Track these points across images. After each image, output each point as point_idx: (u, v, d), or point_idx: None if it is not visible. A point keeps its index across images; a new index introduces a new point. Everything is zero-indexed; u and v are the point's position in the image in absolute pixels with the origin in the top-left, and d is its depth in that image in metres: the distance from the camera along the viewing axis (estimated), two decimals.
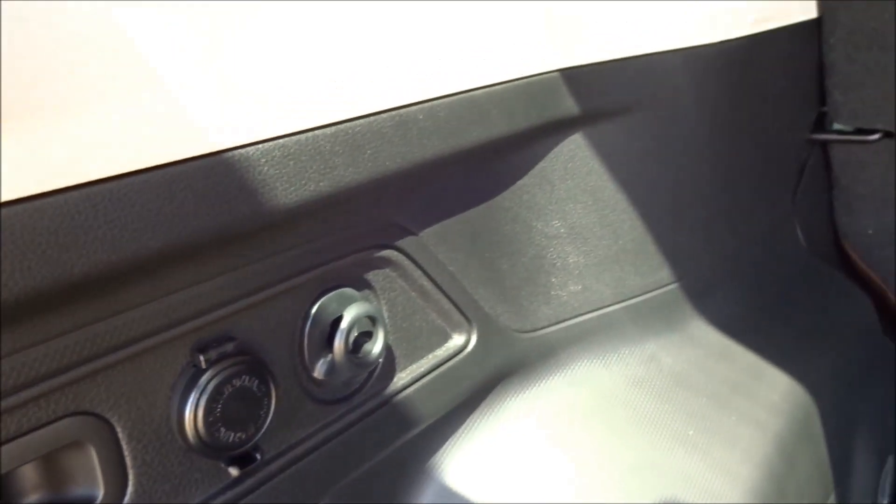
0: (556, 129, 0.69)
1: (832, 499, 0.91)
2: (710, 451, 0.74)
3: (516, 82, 0.63)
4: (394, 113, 0.52)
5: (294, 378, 0.53)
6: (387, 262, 0.59)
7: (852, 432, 0.99)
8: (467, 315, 0.66)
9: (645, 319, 0.81)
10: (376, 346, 0.56)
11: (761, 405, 0.81)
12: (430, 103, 0.55)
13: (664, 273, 0.82)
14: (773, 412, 0.81)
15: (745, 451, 0.76)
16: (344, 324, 0.54)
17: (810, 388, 0.89)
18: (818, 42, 0.98)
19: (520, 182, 0.69)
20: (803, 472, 0.82)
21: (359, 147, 0.50)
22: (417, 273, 0.61)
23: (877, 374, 1.11)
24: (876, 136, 1.00)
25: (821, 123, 1.06)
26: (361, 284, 0.58)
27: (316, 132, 0.47)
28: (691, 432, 0.76)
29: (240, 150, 0.43)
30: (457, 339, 0.66)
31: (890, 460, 1.11)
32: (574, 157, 0.72)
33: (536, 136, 0.67)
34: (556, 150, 0.71)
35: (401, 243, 0.59)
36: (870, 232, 1.10)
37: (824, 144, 1.07)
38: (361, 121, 0.50)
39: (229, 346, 0.47)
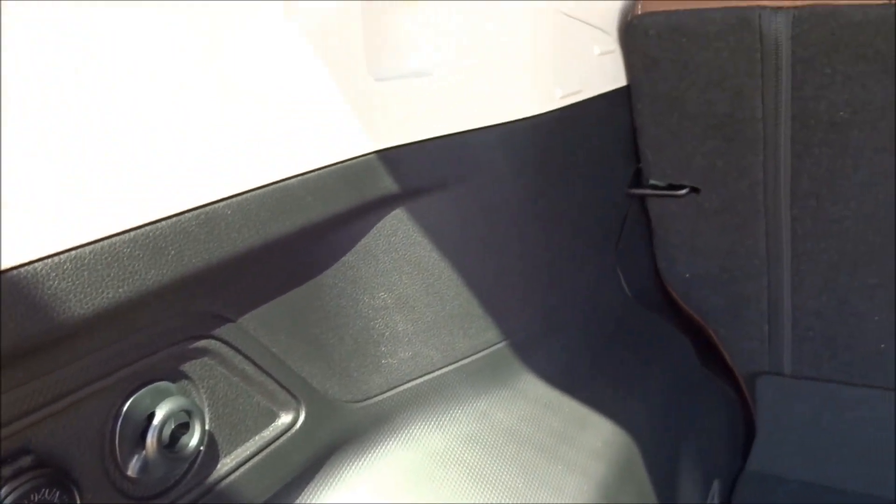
0: (376, 207, 0.72)
1: None
2: (538, 502, 0.79)
3: (332, 167, 0.65)
4: (199, 211, 0.53)
5: (106, 479, 0.53)
6: (204, 352, 0.59)
7: (676, 465, 1.07)
8: (294, 393, 0.67)
9: (475, 378, 0.85)
10: (193, 439, 0.56)
11: (585, 452, 0.87)
12: (239, 197, 0.56)
13: (492, 333, 0.87)
14: (596, 458, 0.87)
15: (570, 499, 0.81)
16: (156, 420, 0.54)
17: (632, 431, 0.95)
18: (630, 107, 1.07)
19: (343, 259, 0.71)
20: None
21: (161, 249, 0.50)
22: (238, 359, 0.61)
23: (698, 405, 1.21)
24: (684, 192, 1.10)
25: (638, 178, 1.15)
26: (178, 376, 0.58)
27: (113, 239, 0.48)
28: (521, 484, 0.80)
29: (25, 268, 0.43)
30: (284, 418, 0.67)
31: (715, 484, 1.21)
32: (396, 231, 0.75)
33: (357, 216, 0.70)
34: (379, 225, 0.74)
35: (218, 332, 0.59)
36: (686, 276, 1.21)
37: (642, 198, 1.16)
38: (164, 222, 0.51)
39: (27, 460, 0.46)
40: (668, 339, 1.21)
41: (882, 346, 1.11)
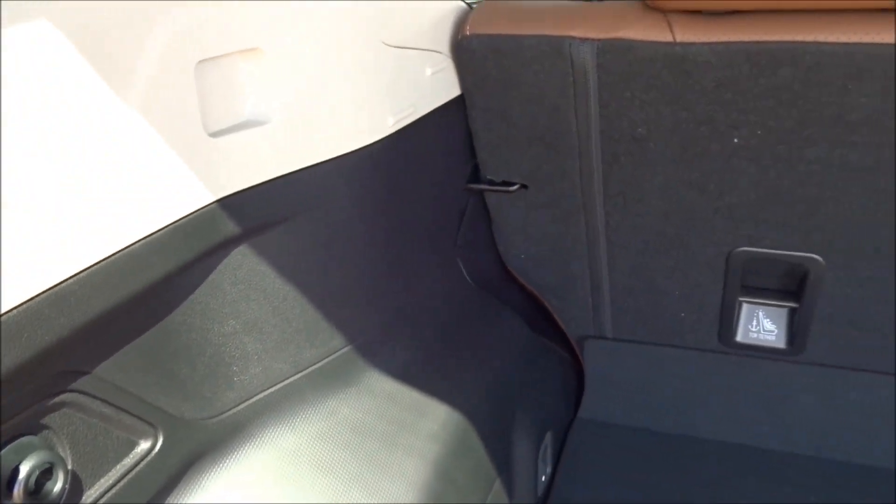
0: (221, 249, 0.79)
1: (497, 486, 1.14)
2: (380, 487, 0.91)
3: (174, 224, 0.72)
4: (49, 293, 0.59)
5: None
6: (63, 405, 0.66)
7: (511, 428, 1.24)
8: (150, 422, 0.75)
9: (323, 382, 0.95)
10: (57, 484, 0.64)
11: (423, 437, 1.00)
12: (86, 271, 0.63)
13: (337, 340, 0.97)
14: (434, 440, 1.01)
15: (409, 481, 0.94)
16: (22, 473, 0.61)
17: (468, 409, 1.10)
18: (465, 113, 1.17)
19: (191, 296, 0.79)
20: (463, 482, 1.03)
21: (14, 336, 0.57)
22: (96, 403, 0.69)
23: (533, 370, 1.38)
24: (515, 188, 1.22)
25: (476, 173, 1.27)
26: (40, 428, 0.65)
27: None
28: (365, 472, 0.92)
29: None
30: (143, 445, 0.75)
31: (548, 435, 1.39)
32: (242, 265, 0.83)
33: (202, 260, 0.77)
34: (225, 262, 0.81)
35: (76, 385, 0.67)
36: (522, 257, 1.35)
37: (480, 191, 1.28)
38: (15, 311, 0.57)
39: None
40: (503, 318, 1.35)
41: (682, 314, 1.30)
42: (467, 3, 1.16)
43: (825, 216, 1.07)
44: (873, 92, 0.92)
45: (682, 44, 0.96)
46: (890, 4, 0.86)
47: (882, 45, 0.88)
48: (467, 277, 1.30)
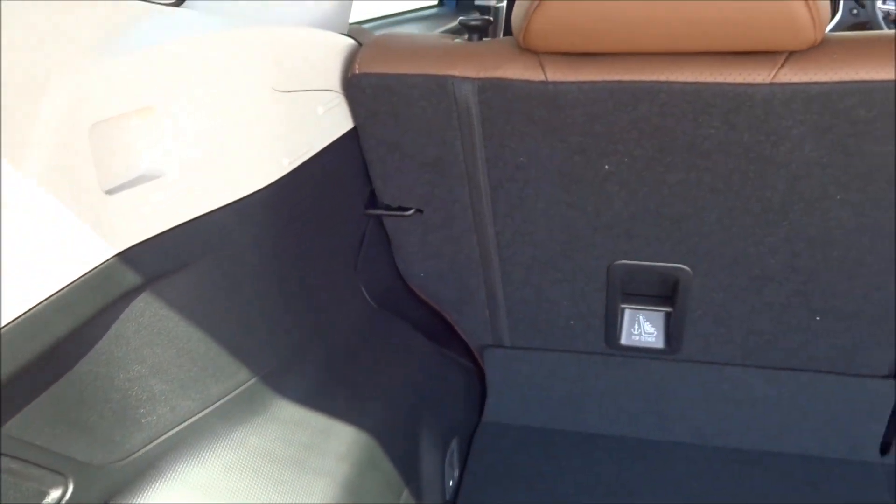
0: (123, 299, 0.83)
1: (405, 495, 1.21)
2: None
3: (75, 282, 0.74)
4: None
5: None
6: None
7: (417, 438, 1.31)
8: (61, 471, 0.78)
9: (231, 414, 0.99)
10: None
11: (332, 458, 1.06)
12: None
13: (243, 374, 1.01)
14: (341, 461, 1.06)
15: (319, 502, 0.99)
16: None
17: (374, 427, 1.16)
18: (359, 143, 1.23)
19: (96, 347, 0.82)
20: (372, 496, 1.09)
21: None
22: (4, 460, 0.71)
23: (437, 382, 1.45)
24: (410, 212, 1.29)
25: (374, 198, 1.32)
26: None
27: None
28: (275, 497, 0.97)
29: None
30: (54, 494, 0.78)
31: (454, 442, 1.47)
32: (144, 312, 0.86)
33: (105, 312, 0.80)
34: (127, 311, 0.84)
35: None
36: (422, 275, 1.42)
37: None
38: None
39: None
40: (405, 334, 1.42)
41: (571, 322, 1.41)
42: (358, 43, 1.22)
43: (689, 231, 1.19)
44: (719, 124, 1.03)
45: (554, 82, 1.05)
46: (731, 47, 0.97)
47: (724, 84, 0.99)
48: (369, 298, 1.36)
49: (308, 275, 1.15)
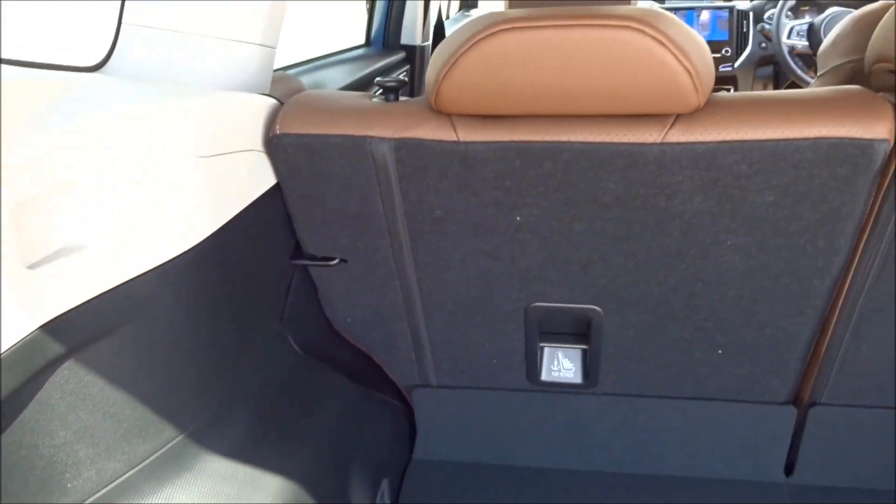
0: (48, 369, 0.85)
1: None
2: None
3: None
4: None
5: None
6: None
7: (346, 482, 1.34)
8: None
9: (159, 473, 1.02)
10: None
11: None
12: None
13: (170, 431, 1.04)
14: None
15: None
16: None
17: (301, 474, 1.19)
18: (283, 197, 1.27)
19: (20, 415, 0.83)
20: None
21: None
22: None
23: (365, 424, 1.49)
24: (335, 262, 1.33)
25: (299, 249, 1.37)
26: None
27: None
28: None
29: None
30: None
31: (384, 482, 1.51)
32: (69, 379, 0.88)
33: (30, 383, 0.82)
34: (52, 379, 0.86)
35: None
36: (349, 321, 1.46)
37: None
38: None
39: None
40: (332, 380, 1.46)
41: (494, 361, 1.47)
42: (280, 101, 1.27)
43: (597, 275, 1.27)
44: (617, 180, 1.11)
45: (465, 142, 1.11)
46: (625, 111, 1.05)
47: (620, 143, 1.08)
48: (296, 347, 1.40)
49: (234, 329, 1.18)
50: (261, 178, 1.21)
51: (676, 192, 1.12)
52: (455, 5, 4.07)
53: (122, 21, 1.17)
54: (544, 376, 1.49)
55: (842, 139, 1.04)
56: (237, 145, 1.12)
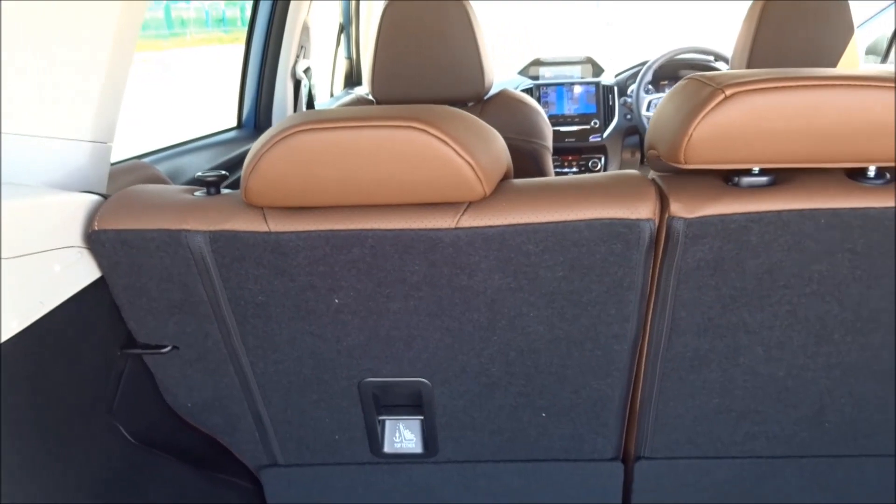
0: None
1: None
2: None
3: None
4: None
5: None
6: None
7: None
8: None
9: None
10: None
11: None
12: None
13: None
14: None
15: None
16: None
17: None
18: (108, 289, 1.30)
19: None
20: None
21: None
22: None
23: None
24: (167, 349, 1.36)
25: (131, 338, 1.39)
26: None
27: None
28: None
29: None
30: None
31: None
32: None
33: None
34: None
35: None
36: (189, 405, 1.48)
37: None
38: None
39: None
40: (173, 467, 1.47)
41: (336, 437, 1.51)
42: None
43: (419, 349, 1.34)
44: (421, 262, 1.20)
45: (276, 232, 1.18)
46: (422, 200, 1.15)
47: (419, 229, 1.17)
48: (129, 437, 1.40)
49: (54, 425, 1.19)
50: (82, 272, 1.24)
51: (476, 271, 1.22)
52: (339, 83, 4.21)
53: None
54: (387, 448, 1.54)
55: (612, 220, 1.16)
56: (52, 243, 1.16)
